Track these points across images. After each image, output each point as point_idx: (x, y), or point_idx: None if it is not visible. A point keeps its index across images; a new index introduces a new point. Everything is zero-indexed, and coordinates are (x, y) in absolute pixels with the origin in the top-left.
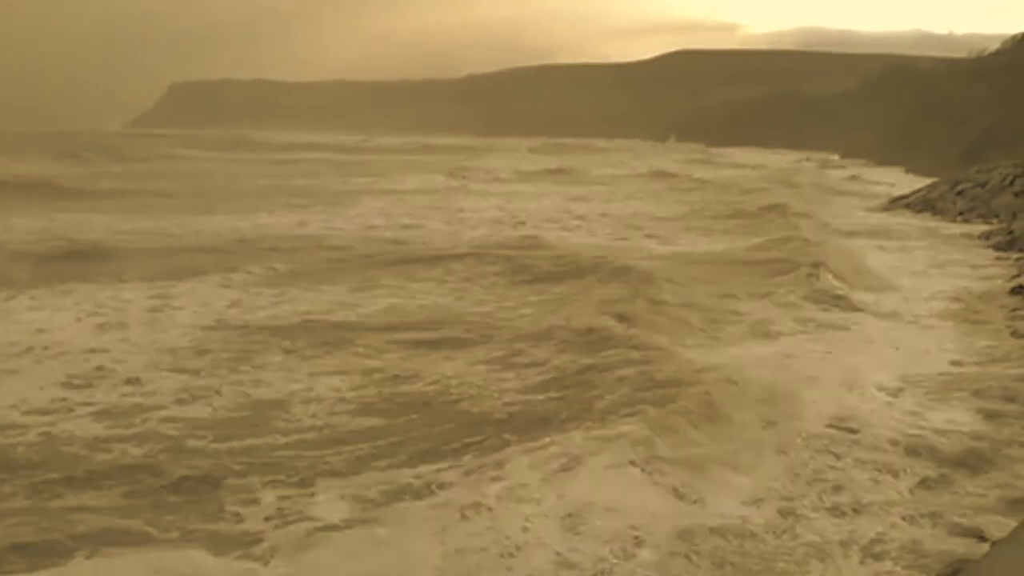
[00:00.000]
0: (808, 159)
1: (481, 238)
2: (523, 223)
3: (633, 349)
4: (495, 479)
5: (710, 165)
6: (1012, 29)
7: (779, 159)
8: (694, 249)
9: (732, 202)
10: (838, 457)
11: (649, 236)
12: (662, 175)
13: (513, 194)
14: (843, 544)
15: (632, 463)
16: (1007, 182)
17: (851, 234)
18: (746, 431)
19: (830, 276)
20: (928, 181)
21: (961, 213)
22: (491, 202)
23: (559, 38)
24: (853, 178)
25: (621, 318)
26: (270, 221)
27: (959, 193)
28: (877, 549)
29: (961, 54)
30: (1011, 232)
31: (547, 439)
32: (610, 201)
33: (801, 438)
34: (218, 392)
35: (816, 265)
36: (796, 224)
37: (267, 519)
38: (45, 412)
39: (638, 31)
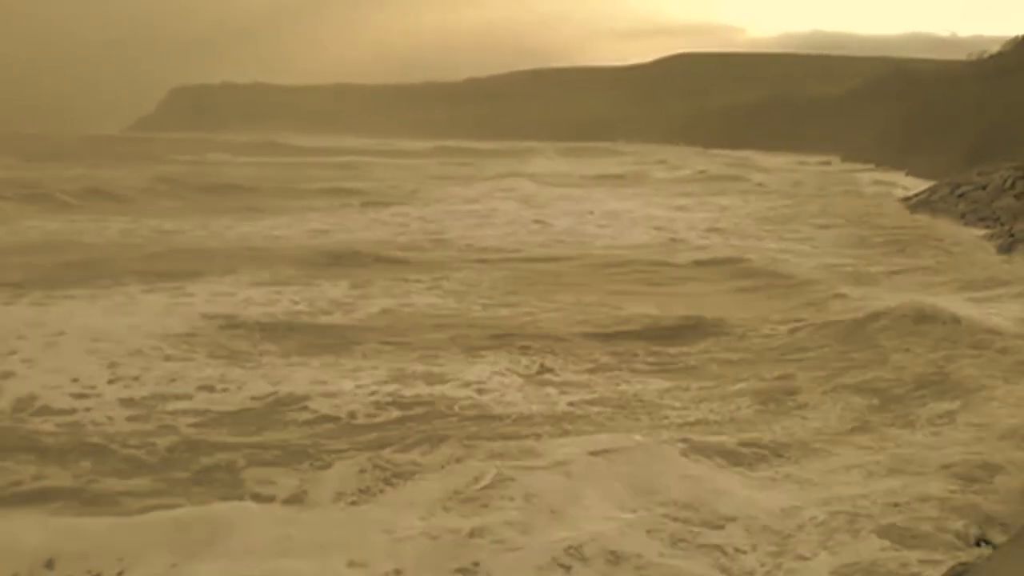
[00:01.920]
0: (830, 162)
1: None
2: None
3: None
4: None
5: (745, 167)
6: (1014, 31)
7: (795, 162)
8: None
9: (821, 206)
10: None
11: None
12: (728, 178)
13: (622, 199)
14: None
15: None
16: (1008, 184)
17: None
18: None
19: None
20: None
21: (962, 216)
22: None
23: (559, 41)
24: (879, 182)
25: None
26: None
27: (960, 196)
28: None
29: (962, 56)
30: (1012, 235)
31: None
32: (717, 208)
33: None
34: None
35: None
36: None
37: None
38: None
39: (638, 34)
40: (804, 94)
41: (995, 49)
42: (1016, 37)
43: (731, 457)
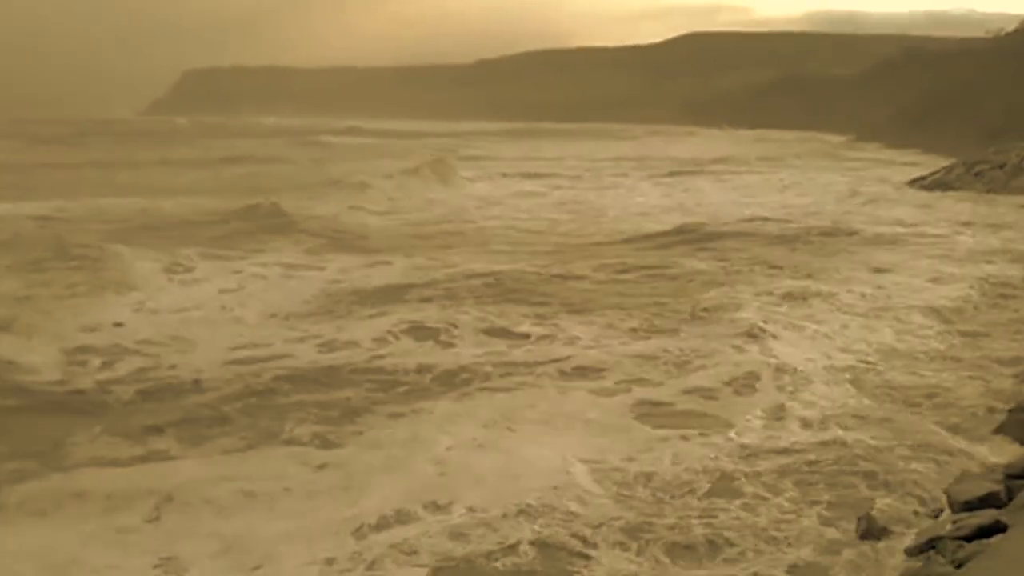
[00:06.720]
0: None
1: None
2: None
3: None
4: None
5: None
6: None
7: (829, 141)
8: None
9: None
10: None
11: None
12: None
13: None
14: None
15: None
16: None
17: None
18: None
19: None
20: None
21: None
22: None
23: (570, 21)
24: (914, 164)
25: None
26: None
27: (976, 174)
28: None
29: (979, 34)
30: None
31: None
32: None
33: None
34: None
35: None
36: None
37: None
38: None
39: (650, 14)
40: (818, 73)
41: (1012, 27)
42: None
43: None
